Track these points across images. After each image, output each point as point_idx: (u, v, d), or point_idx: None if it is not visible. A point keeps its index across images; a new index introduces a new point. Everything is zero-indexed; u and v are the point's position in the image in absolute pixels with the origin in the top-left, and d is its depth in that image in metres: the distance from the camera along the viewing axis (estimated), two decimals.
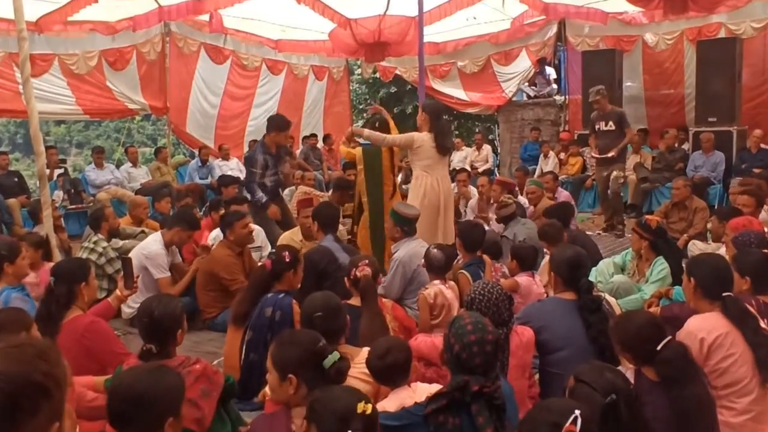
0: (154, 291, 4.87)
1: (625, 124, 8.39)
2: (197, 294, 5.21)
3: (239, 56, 12.24)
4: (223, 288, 5.08)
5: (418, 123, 5.89)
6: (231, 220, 5.23)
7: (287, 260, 3.73)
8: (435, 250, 4.04)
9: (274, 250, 4.04)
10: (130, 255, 4.87)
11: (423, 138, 5.73)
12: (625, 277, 4.85)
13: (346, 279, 3.73)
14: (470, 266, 4.55)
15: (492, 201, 7.40)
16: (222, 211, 6.11)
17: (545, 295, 4.49)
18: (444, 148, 5.81)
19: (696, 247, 6.03)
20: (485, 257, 4.68)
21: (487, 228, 5.48)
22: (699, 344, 2.77)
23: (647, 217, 5.14)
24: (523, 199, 7.42)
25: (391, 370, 2.64)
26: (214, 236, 5.90)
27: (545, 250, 5.19)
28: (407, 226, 4.95)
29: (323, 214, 5.09)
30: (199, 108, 11.85)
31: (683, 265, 3.35)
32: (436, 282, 3.96)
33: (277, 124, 6.41)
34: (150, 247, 5.23)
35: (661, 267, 4.71)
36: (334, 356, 2.36)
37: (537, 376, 3.37)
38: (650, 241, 4.83)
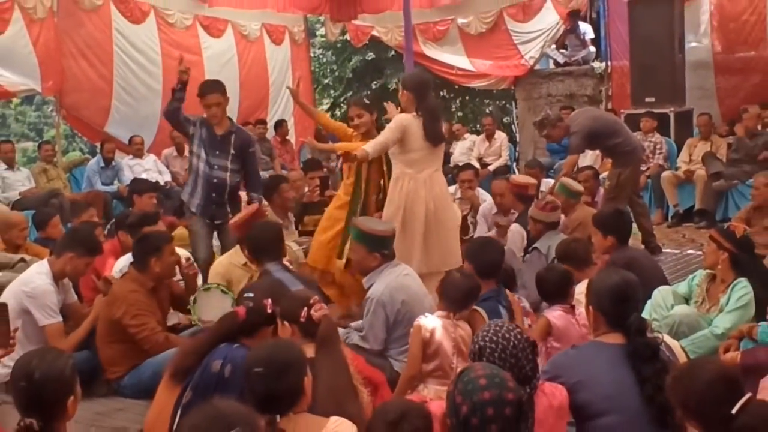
0: (39, 343, 4.80)
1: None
2: (98, 346, 5.18)
3: (162, 13, 12.21)
4: (131, 338, 5.06)
5: (402, 106, 5.94)
6: (158, 244, 5.21)
7: (269, 311, 3.66)
8: (459, 276, 4.28)
9: (251, 294, 3.89)
10: (3, 295, 4.82)
11: (411, 121, 5.76)
12: (689, 308, 4.88)
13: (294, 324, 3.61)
14: (486, 301, 4.53)
15: (512, 211, 7.47)
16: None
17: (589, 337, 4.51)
18: (435, 136, 5.82)
19: None
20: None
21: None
22: None
23: (733, 223, 5.19)
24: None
25: None
26: (122, 265, 5.86)
27: None
28: (385, 247, 4.94)
29: (260, 237, 5.06)
30: (129, 90, 11.72)
31: None
32: (441, 313, 4.10)
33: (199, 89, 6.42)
34: (33, 282, 5.16)
35: (743, 292, 4.71)
36: None
37: None
38: (732, 254, 4.86)
